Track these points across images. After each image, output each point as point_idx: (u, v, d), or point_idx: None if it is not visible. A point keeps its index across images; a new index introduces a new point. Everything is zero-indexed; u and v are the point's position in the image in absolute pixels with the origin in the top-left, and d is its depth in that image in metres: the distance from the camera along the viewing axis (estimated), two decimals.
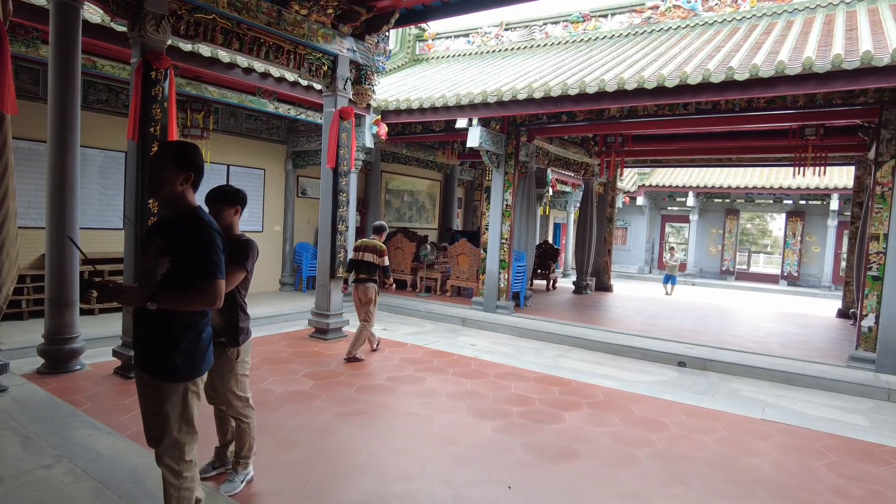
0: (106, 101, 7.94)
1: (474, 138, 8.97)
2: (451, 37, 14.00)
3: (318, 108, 9.38)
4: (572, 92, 7.68)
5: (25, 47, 6.19)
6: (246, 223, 10.47)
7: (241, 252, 3.05)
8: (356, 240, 7.39)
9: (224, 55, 7.23)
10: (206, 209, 2.42)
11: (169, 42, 6.20)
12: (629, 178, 21.72)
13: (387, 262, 6.29)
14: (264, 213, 10.83)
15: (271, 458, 3.60)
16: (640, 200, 22.98)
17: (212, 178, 9.78)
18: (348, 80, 7.14)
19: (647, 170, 21.44)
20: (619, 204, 17.75)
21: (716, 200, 22.62)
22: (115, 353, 5.30)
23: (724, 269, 22.12)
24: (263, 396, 4.82)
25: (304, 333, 7.47)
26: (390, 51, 12.32)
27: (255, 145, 10.52)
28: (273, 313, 8.70)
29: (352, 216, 9.99)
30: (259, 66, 7.73)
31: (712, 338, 8.41)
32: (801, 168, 9.85)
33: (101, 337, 6.23)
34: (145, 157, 5.07)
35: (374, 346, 6.80)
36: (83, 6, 5.13)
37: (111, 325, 6.62)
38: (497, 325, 8.94)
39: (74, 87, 5.11)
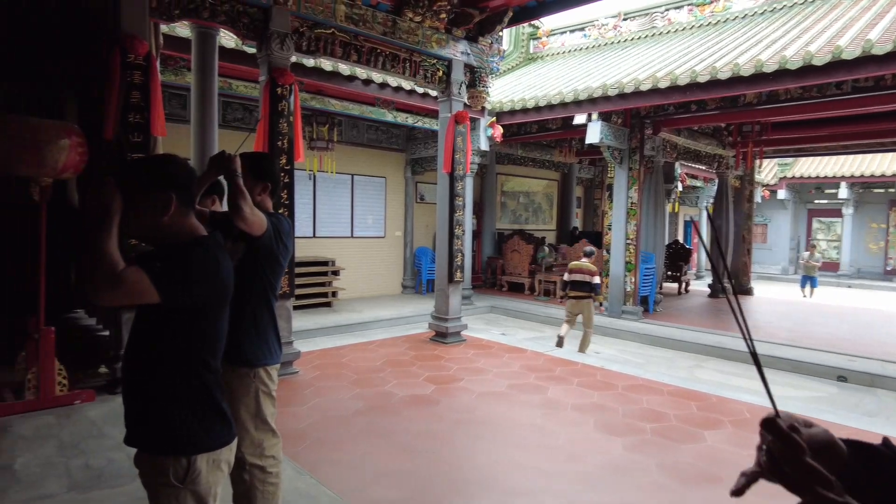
0: (241, 118, 8.61)
1: (594, 134, 8.56)
2: (565, 32, 13.57)
3: (434, 114, 9.48)
4: (702, 79, 7.05)
5: (174, 75, 6.85)
6: (369, 229, 10.86)
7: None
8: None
9: (344, 68, 7.54)
10: (282, 217, 2.43)
11: (294, 59, 6.57)
12: (769, 170, 19.71)
13: (597, 281, 7.08)
14: (386, 220, 11.16)
15: (391, 464, 3.58)
16: (781, 194, 20.76)
17: (338, 187, 10.27)
18: (462, 84, 7.10)
19: (790, 160, 19.33)
20: (757, 198, 16.17)
21: (875, 191, 19.81)
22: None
23: (888, 268, 19.32)
24: (385, 400, 4.88)
25: (425, 336, 7.53)
26: (504, 51, 12.21)
27: (376, 154, 10.88)
28: (395, 316, 8.91)
29: (468, 220, 9.99)
30: (377, 76, 7.96)
31: (878, 349, 7.29)
32: None
33: None
34: None
35: (569, 345, 7.21)
36: (219, 32, 5.55)
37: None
38: (623, 332, 8.44)
39: (212, 106, 5.55)
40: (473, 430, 4.27)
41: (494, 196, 13.05)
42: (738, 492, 0.72)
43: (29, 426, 3.75)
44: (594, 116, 8.59)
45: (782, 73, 6.52)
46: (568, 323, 7.35)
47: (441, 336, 7.27)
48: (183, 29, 6.07)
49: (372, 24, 6.11)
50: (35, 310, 4.18)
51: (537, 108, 9.27)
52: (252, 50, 6.09)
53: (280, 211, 5.38)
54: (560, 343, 7.25)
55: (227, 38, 6.36)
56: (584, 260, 7.19)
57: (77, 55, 5.61)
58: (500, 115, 9.93)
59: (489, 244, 12.89)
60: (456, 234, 7.22)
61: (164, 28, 6.09)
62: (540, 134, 10.92)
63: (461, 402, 4.93)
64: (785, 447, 0.65)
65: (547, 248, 11.78)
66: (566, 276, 7.32)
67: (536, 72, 12.42)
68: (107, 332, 5.00)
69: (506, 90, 10.91)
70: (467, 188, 10.34)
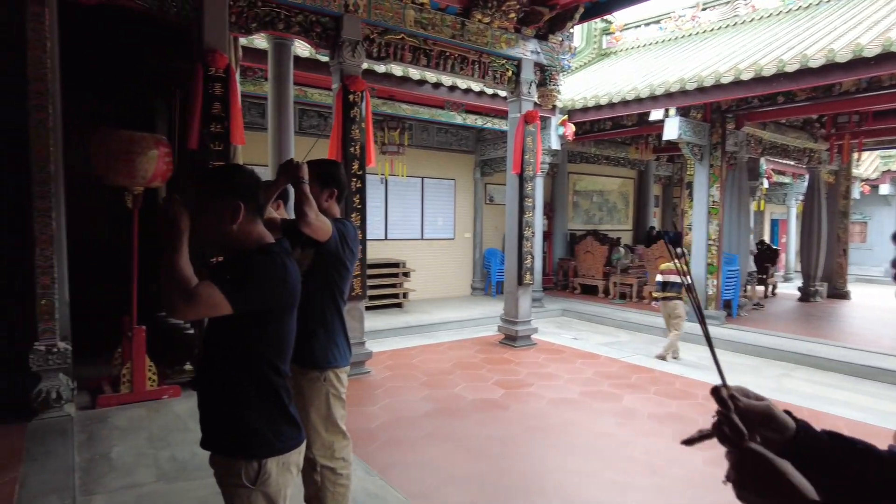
0: (316, 125, 8.89)
1: (672, 130, 8.20)
2: (639, 26, 13.08)
3: (503, 115, 9.40)
4: (790, 68, 6.58)
5: (253, 86, 7.16)
6: (439, 231, 10.93)
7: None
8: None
9: (414, 73, 7.62)
10: (348, 223, 2.44)
11: (366, 66, 6.70)
12: (868, 163, 18.15)
13: (689, 281, 6.58)
14: (455, 221, 11.19)
15: (460, 469, 3.56)
16: (884, 189, 19.04)
17: (409, 190, 10.40)
18: (532, 83, 6.99)
19: (894, 152, 17.72)
20: (855, 194, 14.90)
21: None
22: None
23: None
24: (455, 402, 4.87)
25: (494, 339, 7.48)
26: (575, 48, 11.95)
27: (445, 157, 10.93)
28: (464, 317, 8.90)
29: (538, 221, 9.84)
30: (446, 79, 7.99)
31: None
32: None
33: None
34: (347, 176, 5.50)
35: (670, 355, 6.95)
36: (293, 43, 5.75)
37: None
38: (704, 339, 8.02)
39: (288, 114, 5.75)
40: (544, 437, 4.18)
41: (566, 196, 12.78)
42: (687, 441, 0.84)
43: (124, 417, 4.03)
44: (671, 112, 8.22)
45: (886, 57, 5.97)
46: (668, 330, 7.20)
47: (510, 339, 7.19)
48: (260, 41, 6.34)
49: (441, 28, 6.13)
50: (129, 310, 4.49)
51: (611, 105, 8.99)
52: (326, 58, 6.27)
53: (352, 215, 5.51)
54: (670, 357, 7.02)
55: (301, 48, 6.58)
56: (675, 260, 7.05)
57: (165, 69, 6.00)
58: (571, 113, 9.71)
59: (561, 245, 12.63)
60: (525, 235, 7.12)
61: (242, 41, 6.41)
62: (614, 131, 10.58)
63: (531, 407, 4.84)
64: (721, 409, 0.78)
65: (622, 249, 11.41)
66: (658, 278, 7.22)
67: (610, 68, 12.06)
68: (192, 331, 5.29)
69: (577, 87, 10.66)
70: (537, 188, 10.18)
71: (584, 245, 11.71)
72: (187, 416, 4.09)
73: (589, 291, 11.56)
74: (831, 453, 0.59)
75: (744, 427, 0.75)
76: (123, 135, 4.24)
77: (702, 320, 0.95)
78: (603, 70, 12.03)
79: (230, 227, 1.56)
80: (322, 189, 2.35)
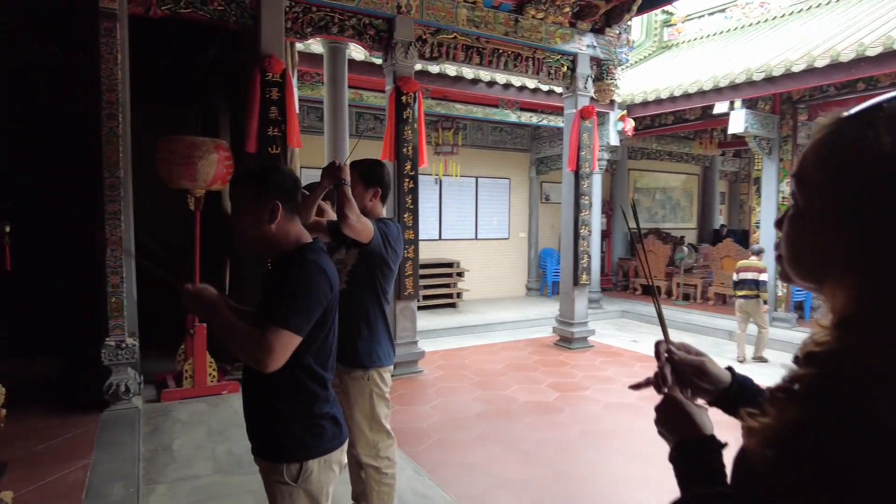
0: (373, 128, 9.00)
1: (738, 123, 7.81)
2: (703, 16, 12.52)
3: (559, 111, 9.23)
4: (872, 52, 6.12)
5: (311, 90, 7.32)
6: (493, 230, 10.85)
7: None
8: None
9: (468, 72, 7.59)
10: (391, 223, 2.44)
11: (420, 67, 6.73)
12: None
13: (765, 278, 6.76)
14: (510, 221, 11.08)
15: (510, 472, 3.50)
16: None
17: (463, 190, 10.38)
18: (588, 78, 6.82)
19: None
20: None
21: None
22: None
23: None
24: (507, 404, 4.80)
25: (549, 341, 7.34)
26: (634, 41, 11.58)
27: (500, 156, 10.84)
28: (518, 318, 8.79)
29: (595, 219, 9.59)
30: (500, 77, 7.92)
31: None
32: None
33: None
34: (401, 177, 5.53)
35: (751, 356, 6.83)
36: (348, 46, 5.84)
37: None
38: (773, 342, 7.58)
39: (343, 117, 5.85)
40: (598, 442, 4.05)
41: (626, 193, 12.40)
42: (635, 386, 0.99)
43: (185, 411, 4.20)
44: (737, 104, 7.81)
45: None
46: (741, 332, 6.96)
47: (566, 341, 7.04)
48: (317, 46, 6.47)
49: (493, 26, 6.07)
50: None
51: (672, 98, 8.64)
52: (380, 61, 6.34)
53: (405, 215, 5.54)
54: (750, 358, 6.83)
55: (357, 52, 6.68)
56: (752, 258, 6.90)
57: (227, 76, 6.23)
58: (631, 108, 9.41)
59: (620, 244, 12.28)
60: (581, 234, 6.95)
61: (299, 46, 6.57)
62: (676, 125, 10.17)
63: (586, 411, 4.71)
64: (657, 359, 0.92)
65: (686, 249, 10.95)
66: (735, 277, 7.04)
67: (672, 61, 11.62)
68: None
69: (637, 81, 10.33)
70: (595, 186, 9.94)
71: (646, 244, 11.33)
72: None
73: (650, 292, 11.17)
74: (754, 402, 0.62)
75: (671, 377, 0.90)
76: (185, 140, 4.42)
77: (656, 299, 1.08)
78: (664, 63, 11.61)
79: (269, 226, 1.58)
80: (366, 189, 2.36)
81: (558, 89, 7.84)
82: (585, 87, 6.79)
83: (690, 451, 0.83)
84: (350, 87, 7.63)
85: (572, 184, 6.94)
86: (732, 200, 15.36)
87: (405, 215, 5.53)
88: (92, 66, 3.94)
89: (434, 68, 7.22)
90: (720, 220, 14.69)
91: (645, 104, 9.13)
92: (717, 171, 14.00)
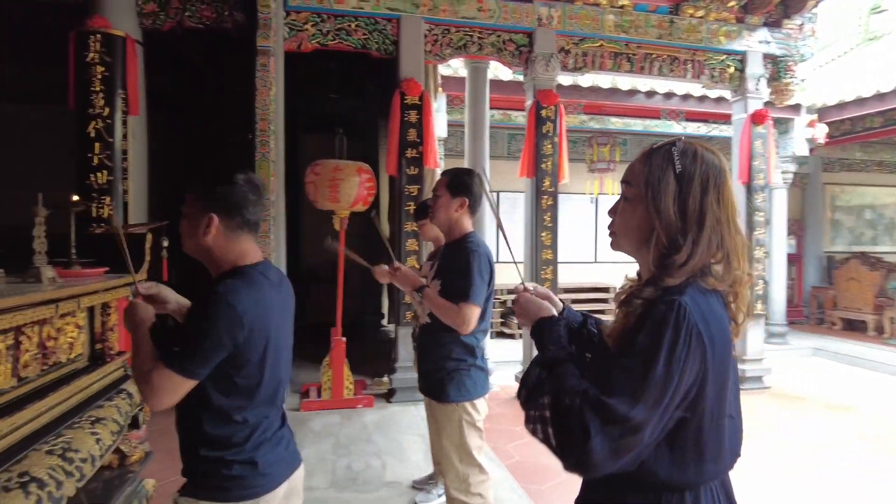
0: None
1: None
2: None
3: (728, 120, 8.28)
4: None
5: (460, 114, 7.42)
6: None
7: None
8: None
9: (624, 82, 7.14)
10: (478, 236, 2.30)
11: (569, 81, 6.48)
12: None
13: None
14: None
15: None
16: None
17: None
18: (761, 79, 5.97)
19: None
20: None
21: None
22: (516, 378, 5.62)
23: None
24: None
25: None
26: (815, 32, 10.01)
27: None
28: None
29: (775, 240, 8.31)
30: (661, 86, 7.33)
31: None
32: None
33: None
34: (539, 194, 5.31)
35: None
36: (488, 65, 5.82)
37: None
38: None
39: (483, 137, 5.81)
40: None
41: (821, 211, 10.64)
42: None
43: (320, 422, 4.36)
44: None
45: None
46: None
47: None
48: (464, 69, 6.55)
49: (645, 29, 5.62)
50: (334, 322, 4.90)
51: (879, 96, 7.24)
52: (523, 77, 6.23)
53: (542, 234, 5.29)
54: None
55: (504, 72, 6.62)
56: None
57: (377, 101, 6.58)
58: (823, 112, 8.10)
59: (814, 271, 10.52)
60: (755, 256, 6.04)
61: (447, 70, 6.71)
62: (885, 129, 8.50)
63: (743, 465, 3.97)
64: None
65: None
66: None
67: (880, 52, 9.82)
68: None
69: (835, 80, 8.87)
70: (774, 201, 8.66)
71: (848, 270, 9.57)
72: (374, 427, 4.26)
73: (853, 328, 9.39)
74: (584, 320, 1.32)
75: (526, 286, 1.32)
76: (329, 163, 4.69)
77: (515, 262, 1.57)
78: (869, 57, 9.85)
79: (203, 239, 1.42)
80: (452, 197, 2.22)
81: (727, 94, 7.02)
82: (757, 89, 5.95)
83: (543, 325, 1.19)
84: (498, 108, 7.60)
85: (744, 198, 6.08)
86: None
87: (543, 234, 5.26)
88: (248, 98, 4.36)
89: (586, 81, 6.89)
90: None
91: (842, 106, 7.80)
92: None
